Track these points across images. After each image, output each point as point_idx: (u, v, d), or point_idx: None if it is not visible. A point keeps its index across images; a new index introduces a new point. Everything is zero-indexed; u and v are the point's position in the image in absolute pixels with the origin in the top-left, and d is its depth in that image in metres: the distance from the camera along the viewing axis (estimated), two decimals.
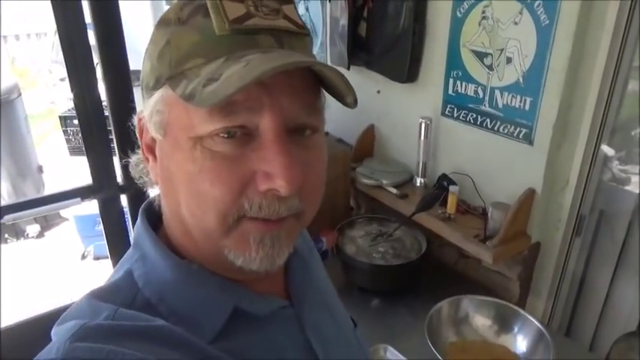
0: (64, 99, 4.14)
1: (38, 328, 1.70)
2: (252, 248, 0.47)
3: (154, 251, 0.52)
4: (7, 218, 1.70)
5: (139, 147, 0.55)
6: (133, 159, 0.57)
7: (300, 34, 0.48)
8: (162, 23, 0.48)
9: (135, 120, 0.53)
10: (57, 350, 0.41)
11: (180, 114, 0.46)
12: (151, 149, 0.52)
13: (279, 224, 0.47)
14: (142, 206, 0.57)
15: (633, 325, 1.41)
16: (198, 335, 0.47)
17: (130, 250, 0.55)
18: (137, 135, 0.53)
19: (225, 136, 0.44)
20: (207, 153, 0.44)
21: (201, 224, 0.47)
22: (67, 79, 1.57)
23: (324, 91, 0.49)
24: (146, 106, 0.50)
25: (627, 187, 1.42)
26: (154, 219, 0.56)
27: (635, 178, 1.49)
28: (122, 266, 0.54)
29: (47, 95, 4.61)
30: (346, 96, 0.47)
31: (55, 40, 4.83)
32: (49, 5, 1.40)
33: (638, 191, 1.40)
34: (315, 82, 0.47)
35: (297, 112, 0.45)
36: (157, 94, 0.48)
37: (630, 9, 1.07)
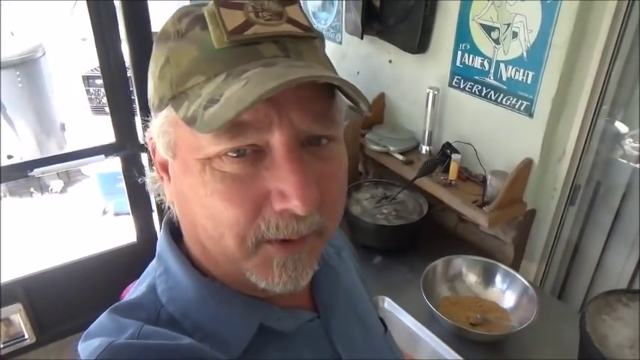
0: (85, 59, 4.21)
1: (62, 276, 1.86)
2: (274, 273, 0.45)
3: (177, 266, 0.51)
4: (37, 171, 1.83)
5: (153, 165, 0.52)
6: (149, 176, 0.54)
7: (306, 37, 0.45)
8: (162, 38, 0.46)
9: (147, 138, 0.51)
10: None
11: (186, 135, 0.44)
12: (165, 168, 0.50)
13: (300, 245, 0.45)
14: (165, 218, 0.55)
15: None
16: (225, 352, 0.47)
17: (154, 262, 0.54)
18: (150, 154, 0.51)
19: (235, 155, 0.41)
20: (217, 175, 0.42)
21: (220, 247, 0.45)
22: (89, 40, 1.65)
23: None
24: (154, 126, 0.48)
25: (623, 160, 1.46)
26: (177, 231, 0.54)
27: None
28: (145, 279, 0.53)
29: (67, 54, 4.68)
30: (359, 103, 0.44)
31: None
32: None
33: (633, 164, 1.45)
34: (327, 88, 0.44)
35: (308, 124, 0.43)
36: (162, 115, 0.46)
37: None
